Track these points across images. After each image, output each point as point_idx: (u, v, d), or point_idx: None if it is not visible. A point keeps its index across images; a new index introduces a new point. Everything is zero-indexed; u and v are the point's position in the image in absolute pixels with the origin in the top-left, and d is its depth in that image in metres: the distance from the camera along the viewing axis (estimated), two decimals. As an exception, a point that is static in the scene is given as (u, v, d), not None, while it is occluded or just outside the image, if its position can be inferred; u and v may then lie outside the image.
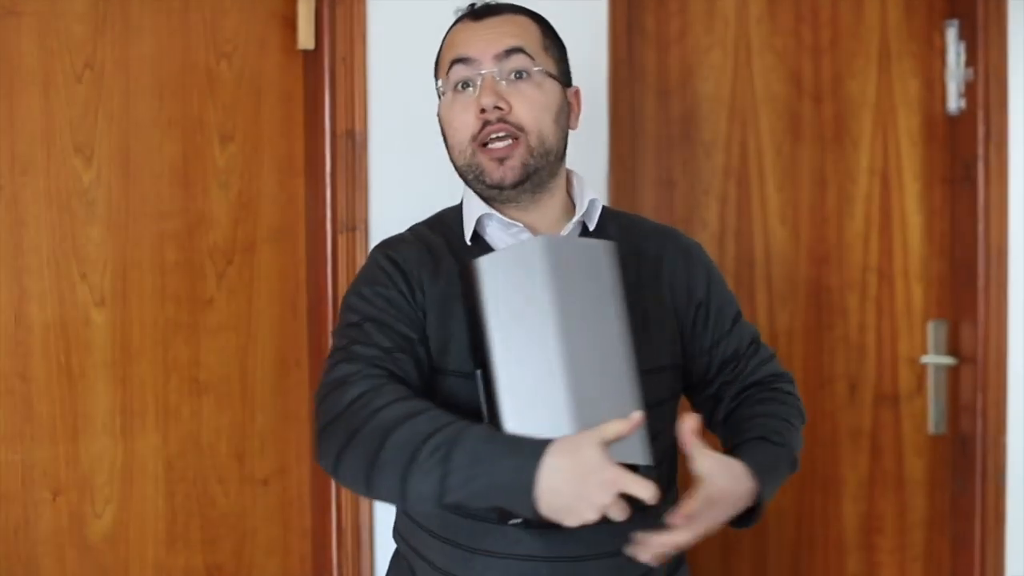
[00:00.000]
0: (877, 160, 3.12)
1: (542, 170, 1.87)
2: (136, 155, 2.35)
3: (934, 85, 3.18)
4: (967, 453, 3.19)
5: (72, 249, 2.29)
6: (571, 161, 1.98)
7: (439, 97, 1.94)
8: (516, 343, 1.67)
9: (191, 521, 2.42)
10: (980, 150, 3.13)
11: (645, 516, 1.64)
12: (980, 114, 3.13)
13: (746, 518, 1.80)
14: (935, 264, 3.20)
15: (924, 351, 3.19)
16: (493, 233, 1.90)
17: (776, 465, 1.85)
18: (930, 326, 3.19)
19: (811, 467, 3.08)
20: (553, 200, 1.93)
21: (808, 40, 3.04)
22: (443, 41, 1.96)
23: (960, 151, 3.17)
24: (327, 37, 2.45)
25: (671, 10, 2.89)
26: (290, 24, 2.48)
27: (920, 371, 3.19)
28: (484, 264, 1.70)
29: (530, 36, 1.90)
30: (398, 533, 1.97)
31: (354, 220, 2.45)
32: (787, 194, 3.02)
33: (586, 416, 1.62)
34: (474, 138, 1.85)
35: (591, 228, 1.92)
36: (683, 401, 2.01)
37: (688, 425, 1.69)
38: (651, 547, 1.68)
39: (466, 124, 1.86)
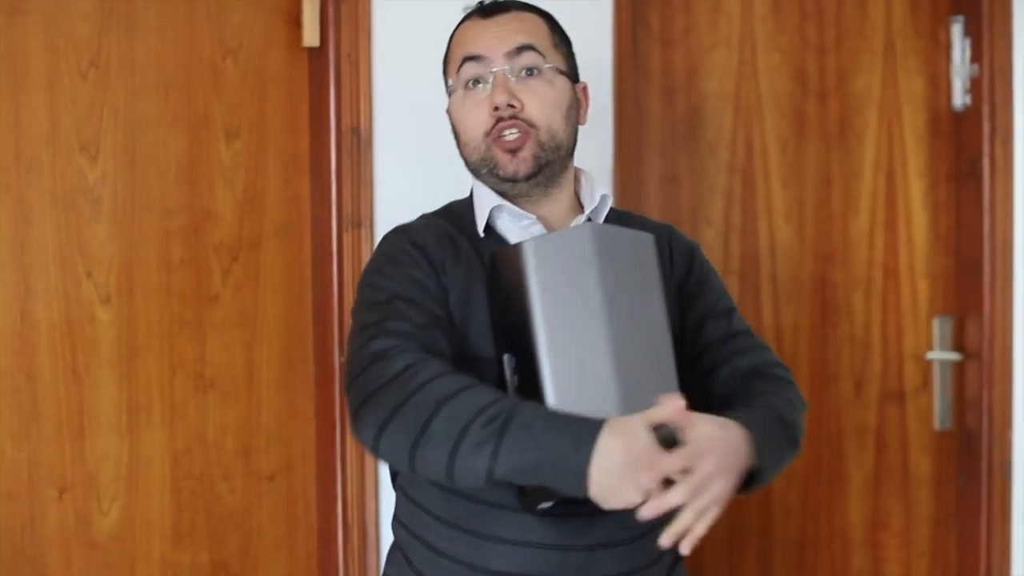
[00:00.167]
0: (882, 157, 3.12)
1: (553, 164, 1.89)
2: (141, 152, 2.35)
3: (939, 81, 3.17)
4: (973, 449, 3.18)
5: (77, 247, 2.29)
6: (577, 158, 1.98)
7: (448, 94, 1.95)
8: (563, 327, 1.68)
9: (197, 518, 2.42)
10: (986, 146, 3.12)
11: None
12: (986, 110, 3.12)
13: (749, 484, 1.76)
14: (940, 260, 3.19)
15: (930, 347, 3.19)
16: (504, 225, 1.91)
17: (769, 427, 1.79)
18: (936, 322, 3.18)
19: (817, 463, 3.08)
20: (563, 195, 1.95)
21: (813, 37, 3.04)
22: (452, 38, 1.97)
23: (966, 147, 3.17)
24: (332, 34, 2.45)
25: (676, 8, 2.89)
26: (295, 21, 2.48)
27: (926, 367, 3.19)
28: (530, 247, 1.71)
29: (540, 33, 1.91)
30: (398, 521, 1.96)
31: (359, 216, 2.46)
32: (792, 191, 3.02)
33: (630, 401, 1.64)
34: (487, 134, 1.87)
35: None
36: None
37: (674, 403, 1.64)
38: (653, 509, 1.61)
39: (479, 121, 1.88)
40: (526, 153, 1.86)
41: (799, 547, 3.08)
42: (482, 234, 1.89)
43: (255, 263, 2.47)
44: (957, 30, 3.15)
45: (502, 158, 1.87)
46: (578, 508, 1.77)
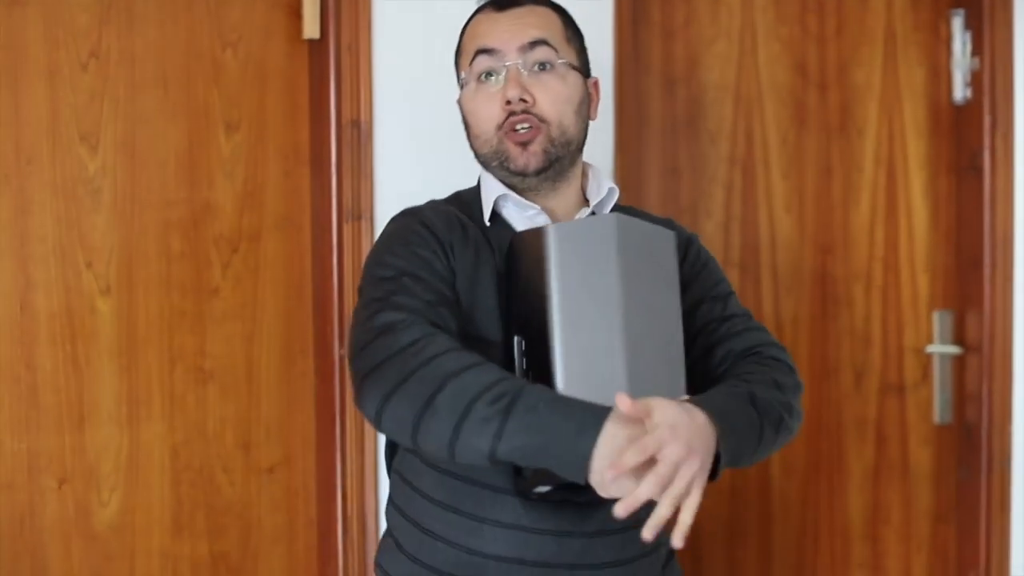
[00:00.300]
0: (883, 149, 3.12)
1: (563, 159, 1.90)
2: (141, 144, 2.35)
3: (940, 74, 3.17)
4: (972, 442, 3.18)
5: (78, 238, 2.29)
6: (579, 150, 1.98)
7: (460, 86, 1.95)
8: (579, 313, 1.69)
9: (196, 510, 2.42)
10: (986, 139, 3.12)
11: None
12: (986, 103, 3.12)
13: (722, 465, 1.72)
14: (941, 253, 3.19)
15: (930, 340, 3.19)
16: (509, 214, 1.92)
17: (736, 406, 1.75)
18: (936, 315, 3.18)
19: (816, 456, 3.08)
20: (570, 189, 1.96)
21: (814, 29, 3.04)
22: (464, 30, 1.97)
23: (966, 140, 3.17)
24: (332, 26, 2.45)
25: (676, -1, 2.89)
26: (295, 13, 2.48)
27: (926, 360, 3.19)
28: (553, 232, 1.72)
29: (553, 28, 1.92)
30: (392, 504, 1.96)
31: (359, 209, 2.45)
32: (792, 183, 3.02)
33: (638, 392, 1.63)
34: (499, 127, 1.88)
35: None
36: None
37: (623, 402, 1.60)
38: (625, 507, 1.58)
39: (492, 115, 1.89)
40: (536, 147, 1.87)
41: (798, 540, 3.08)
42: (488, 223, 1.90)
43: (255, 255, 2.47)
44: (958, 23, 3.15)
45: (514, 151, 1.87)
46: (574, 496, 1.77)
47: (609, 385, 1.64)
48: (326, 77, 2.46)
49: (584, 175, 2.00)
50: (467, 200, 1.96)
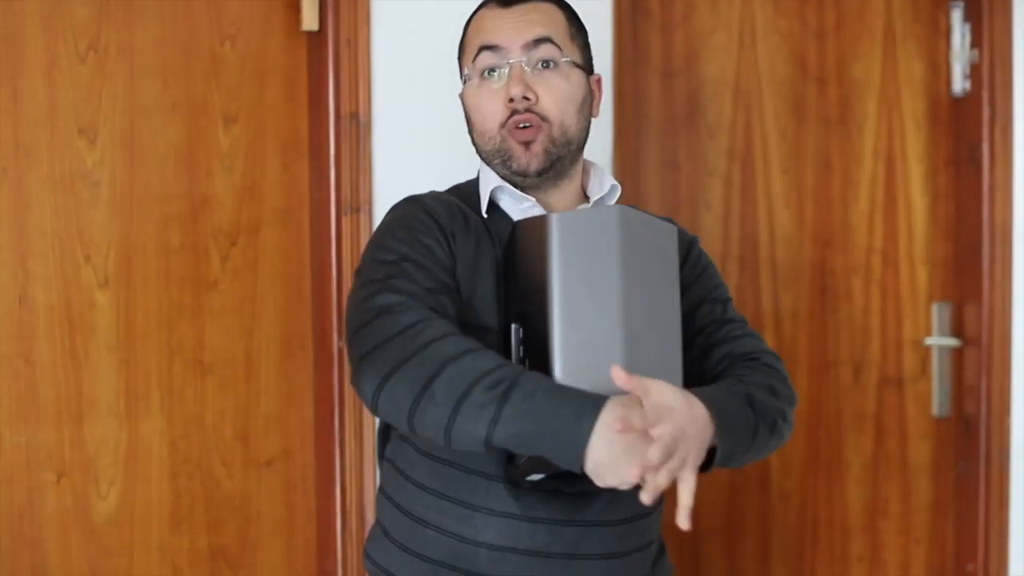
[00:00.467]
0: (882, 142, 3.12)
1: (564, 158, 1.91)
2: (140, 137, 2.35)
3: (939, 67, 3.17)
4: (971, 435, 3.19)
5: (76, 231, 2.29)
6: (577, 144, 1.98)
7: (463, 81, 1.95)
8: (579, 304, 1.69)
9: (195, 503, 2.42)
10: (985, 132, 3.12)
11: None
12: (985, 96, 3.12)
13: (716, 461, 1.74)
14: (940, 246, 3.19)
15: (928, 333, 3.19)
16: (506, 205, 1.92)
17: (736, 407, 1.76)
18: (934, 308, 3.18)
19: (815, 450, 3.09)
20: (571, 186, 1.96)
21: (813, 22, 3.03)
22: (469, 24, 1.97)
23: (965, 133, 3.17)
24: (331, 19, 2.45)
25: (676, -8, 2.89)
26: (294, 6, 2.47)
27: (924, 353, 3.19)
28: (556, 221, 1.71)
29: (558, 25, 1.92)
30: (383, 493, 1.95)
31: (358, 202, 2.45)
32: (791, 177, 3.02)
33: None
34: (502, 124, 1.88)
35: None
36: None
37: (619, 375, 1.64)
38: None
39: (495, 112, 1.89)
40: (538, 148, 1.87)
41: (797, 533, 3.08)
42: (485, 214, 1.90)
43: (254, 249, 2.47)
44: (957, 16, 3.15)
45: (517, 150, 1.88)
46: (566, 486, 1.78)
47: (606, 375, 1.64)
48: (325, 70, 2.46)
49: (585, 172, 2.00)
50: (467, 192, 1.96)
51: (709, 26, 2.92)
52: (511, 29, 1.89)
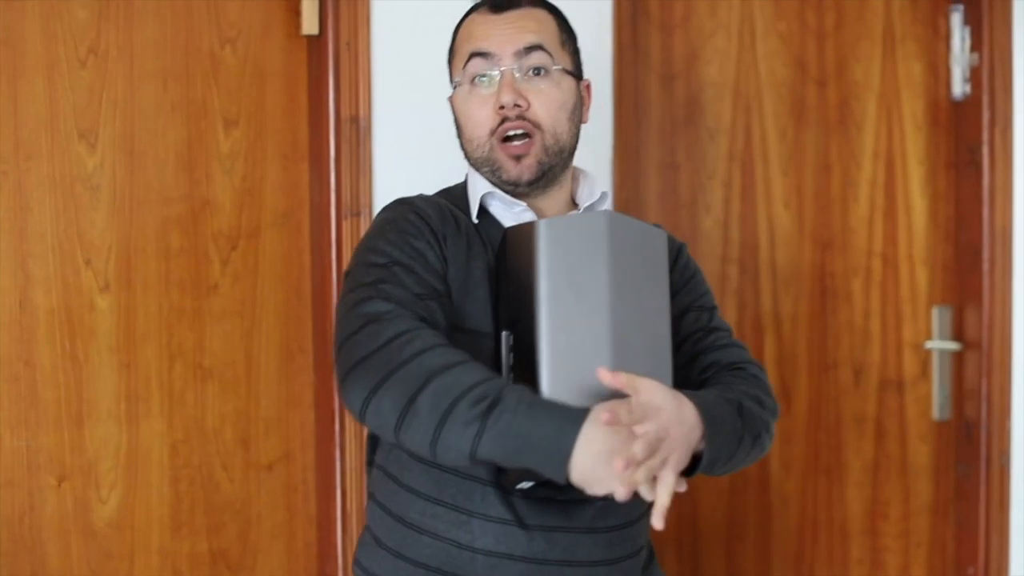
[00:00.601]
0: (882, 145, 3.12)
1: (556, 166, 1.90)
2: (140, 140, 2.34)
3: (939, 70, 3.17)
4: (972, 439, 3.18)
5: (76, 235, 2.29)
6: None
7: (453, 87, 1.95)
8: (567, 311, 1.69)
9: (196, 507, 2.42)
10: (985, 135, 3.12)
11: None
12: (985, 99, 3.12)
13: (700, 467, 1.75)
14: (940, 249, 3.19)
15: (929, 336, 3.19)
16: (497, 211, 1.91)
17: (725, 413, 1.76)
18: (935, 311, 3.18)
19: (815, 452, 3.09)
20: (561, 192, 1.96)
21: (812, 24, 3.03)
22: (459, 29, 1.96)
23: (965, 136, 3.17)
24: (331, 22, 2.45)
25: (675, -6, 2.89)
26: (294, 9, 2.47)
27: (925, 356, 3.19)
28: (544, 227, 1.71)
29: (549, 32, 1.91)
30: (373, 499, 1.94)
31: (358, 205, 2.45)
32: (791, 179, 3.02)
33: (622, 392, 1.64)
34: (492, 132, 1.87)
35: None
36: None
37: (606, 376, 1.65)
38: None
39: (485, 119, 1.88)
40: (531, 160, 1.87)
41: (797, 536, 3.08)
42: (475, 220, 1.89)
43: (254, 252, 2.47)
44: (957, 19, 3.15)
45: (506, 163, 1.87)
46: (556, 494, 1.77)
47: (595, 382, 1.65)
48: (325, 73, 2.46)
49: (575, 180, 1.99)
50: (456, 195, 1.95)
51: (709, 28, 2.92)
52: (502, 36, 1.88)
